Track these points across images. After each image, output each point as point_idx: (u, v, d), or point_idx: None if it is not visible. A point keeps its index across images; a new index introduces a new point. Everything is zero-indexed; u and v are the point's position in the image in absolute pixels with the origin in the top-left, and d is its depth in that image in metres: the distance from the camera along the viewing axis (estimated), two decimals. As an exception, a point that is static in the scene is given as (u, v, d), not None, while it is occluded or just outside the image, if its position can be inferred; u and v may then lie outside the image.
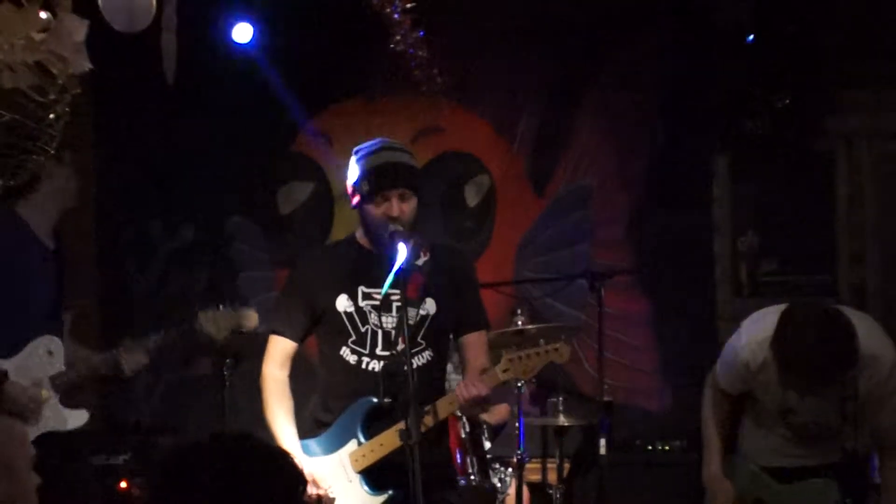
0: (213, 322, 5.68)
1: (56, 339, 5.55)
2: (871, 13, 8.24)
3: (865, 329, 4.85)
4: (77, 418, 5.60)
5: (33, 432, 5.31)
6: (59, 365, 5.52)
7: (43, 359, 5.49)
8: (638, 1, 8.59)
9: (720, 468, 5.27)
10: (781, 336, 4.73)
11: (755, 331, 4.98)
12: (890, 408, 4.90)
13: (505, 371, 4.71)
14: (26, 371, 5.43)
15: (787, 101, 8.34)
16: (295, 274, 5.02)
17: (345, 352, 4.78)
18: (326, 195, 9.01)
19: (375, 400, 4.68)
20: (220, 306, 5.69)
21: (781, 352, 4.74)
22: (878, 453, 5.08)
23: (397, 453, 4.51)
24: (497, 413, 7.29)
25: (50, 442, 5.33)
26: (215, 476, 2.48)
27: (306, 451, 4.73)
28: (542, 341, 4.77)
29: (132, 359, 5.65)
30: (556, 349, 4.74)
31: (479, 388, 4.64)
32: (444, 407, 4.70)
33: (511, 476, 7.05)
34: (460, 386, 4.70)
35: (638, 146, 8.91)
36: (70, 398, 5.60)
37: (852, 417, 4.85)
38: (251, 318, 5.79)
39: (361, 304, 4.79)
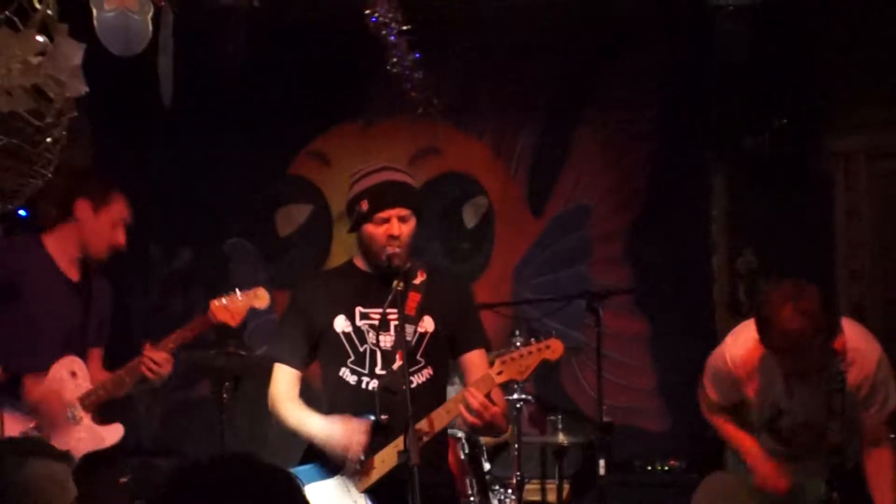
0: (226, 309, 5.65)
1: (77, 360, 5.54)
2: (869, 32, 8.26)
3: (852, 328, 5.01)
4: (113, 434, 5.60)
5: (75, 455, 5.34)
6: (84, 385, 5.52)
7: (67, 381, 5.49)
8: (635, 20, 8.60)
9: (760, 449, 5.28)
10: (761, 310, 4.83)
11: (747, 331, 5.07)
12: (878, 401, 5.02)
13: (499, 374, 4.65)
14: (54, 395, 5.43)
15: (785, 120, 8.36)
16: (293, 301, 5.00)
17: (344, 372, 4.77)
18: (325, 217, 9.01)
19: (372, 417, 4.66)
20: (232, 291, 5.67)
21: (762, 326, 4.82)
22: (864, 446, 5.15)
23: (400, 471, 4.49)
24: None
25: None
26: (218, 496, 2.48)
27: (308, 475, 4.70)
28: (533, 340, 4.72)
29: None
30: (548, 346, 4.67)
31: (476, 396, 4.60)
32: (439, 417, 4.67)
33: (511, 497, 7.04)
34: (459, 395, 4.64)
35: (635, 165, 8.92)
36: (101, 416, 5.61)
37: (840, 412, 4.94)
38: (263, 298, 5.75)
39: (359, 323, 4.78)
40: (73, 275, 5.62)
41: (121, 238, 5.67)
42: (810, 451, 5.14)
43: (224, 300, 5.63)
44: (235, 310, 5.63)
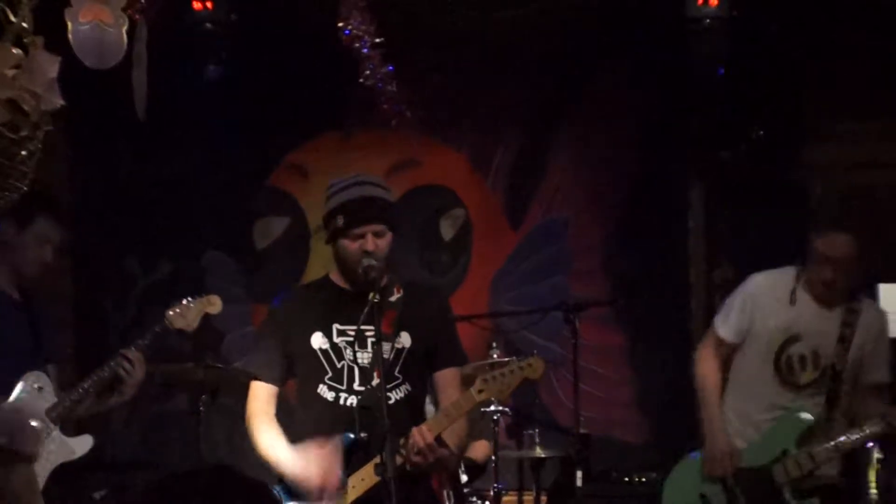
0: (182, 316, 5.71)
1: (42, 375, 5.53)
2: (845, 45, 8.29)
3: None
4: (83, 444, 5.59)
5: (46, 467, 5.35)
6: (51, 398, 5.52)
7: (34, 395, 5.48)
8: (613, 34, 8.62)
9: (727, 438, 5.68)
10: (820, 231, 5.73)
11: (775, 271, 5.84)
12: (875, 362, 5.66)
13: (480, 392, 4.64)
14: (25, 408, 5.42)
15: (762, 133, 8.38)
16: (270, 317, 4.99)
17: (322, 389, 4.76)
18: (302, 229, 9.01)
19: (352, 435, 4.65)
20: (185, 300, 5.74)
21: (821, 237, 5.69)
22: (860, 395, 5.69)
23: (381, 489, 4.47)
24: (480, 450, 7.24)
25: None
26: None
27: (287, 493, 4.69)
28: (514, 359, 4.73)
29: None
30: (530, 364, 4.67)
31: (425, 436, 4.59)
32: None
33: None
34: (413, 432, 4.64)
35: (613, 178, 8.94)
36: (69, 427, 5.61)
37: (847, 345, 5.57)
38: (216, 304, 5.83)
39: (336, 340, 4.77)
40: (15, 294, 5.62)
41: (47, 256, 5.65)
42: (807, 396, 5.60)
43: (179, 309, 5.68)
44: (190, 317, 5.69)
